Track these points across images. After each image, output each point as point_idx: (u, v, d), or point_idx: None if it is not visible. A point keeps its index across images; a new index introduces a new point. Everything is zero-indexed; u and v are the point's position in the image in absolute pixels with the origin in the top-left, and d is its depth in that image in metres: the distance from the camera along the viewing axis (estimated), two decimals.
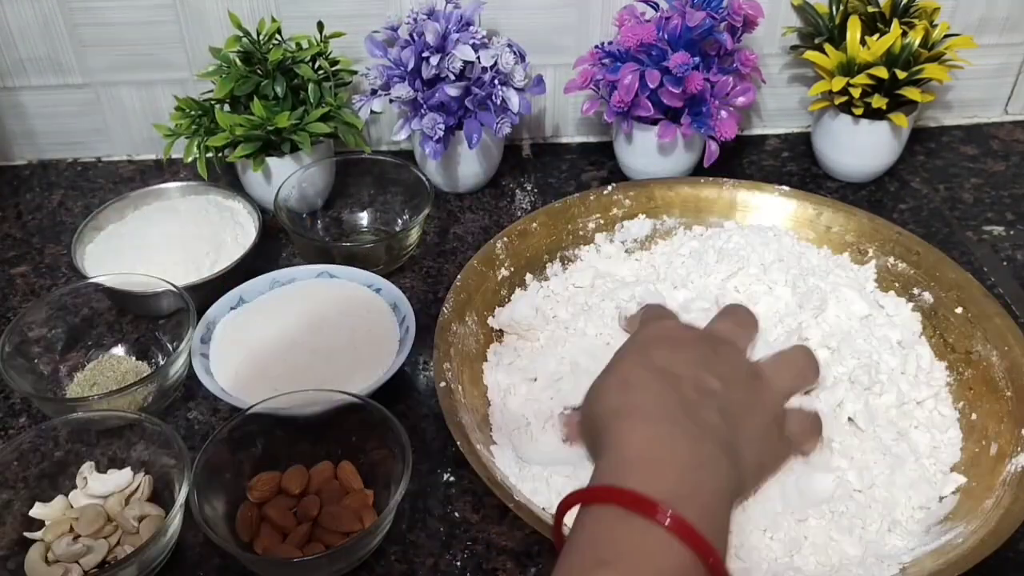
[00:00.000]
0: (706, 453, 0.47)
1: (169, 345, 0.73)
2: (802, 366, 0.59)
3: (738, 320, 0.61)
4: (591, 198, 0.79)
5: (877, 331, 0.67)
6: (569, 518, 0.47)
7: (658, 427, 0.48)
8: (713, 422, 0.49)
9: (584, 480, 0.58)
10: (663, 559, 0.42)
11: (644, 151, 0.87)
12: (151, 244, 0.78)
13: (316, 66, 0.85)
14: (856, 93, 0.83)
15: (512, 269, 0.75)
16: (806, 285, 0.68)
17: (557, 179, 0.94)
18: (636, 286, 0.71)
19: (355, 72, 0.88)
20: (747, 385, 0.55)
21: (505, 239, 0.75)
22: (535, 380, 0.67)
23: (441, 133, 0.81)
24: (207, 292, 0.73)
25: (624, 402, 0.51)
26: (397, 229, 0.85)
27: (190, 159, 0.82)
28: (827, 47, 0.85)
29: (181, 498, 0.57)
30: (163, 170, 0.95)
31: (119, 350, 0.74)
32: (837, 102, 0.86)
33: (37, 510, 0.60)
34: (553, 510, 0.57)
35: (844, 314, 0.68)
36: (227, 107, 0.84)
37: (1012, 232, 0.86)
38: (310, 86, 0.83)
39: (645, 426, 0.48)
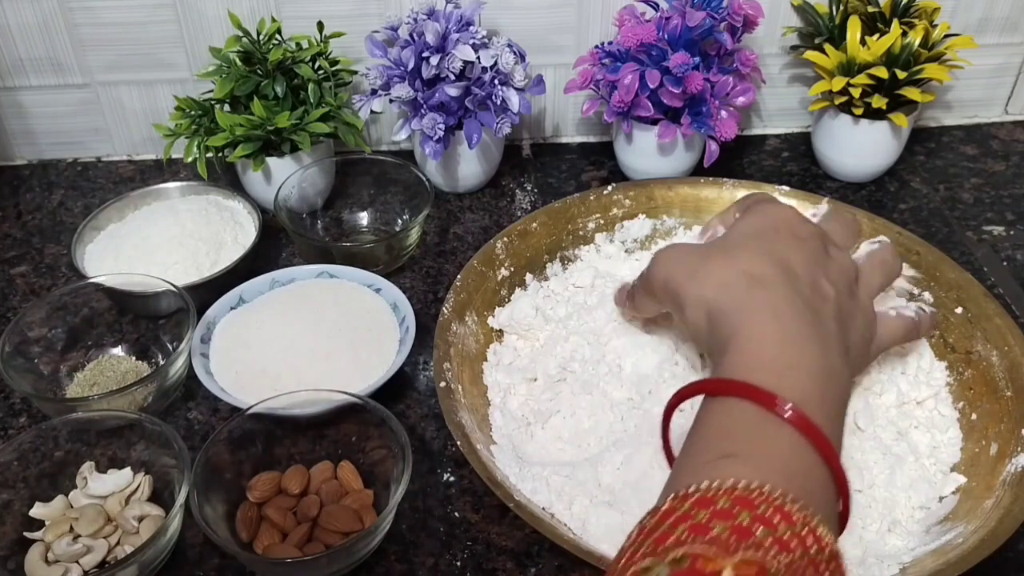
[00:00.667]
0: (832, 361, 0.48)
1: (169, 345, 0.73)
2: (891, 264, 0.60)
3: (844, 224, 0.60)
4: (591, 198, 0.79)
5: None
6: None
7: (788, 329, 0.47)
8: (833, 329, 0.50)
9: (582, 480, 0.58)
10: (792, 458, 0.42)
11: (644, 151, 0.87)
12: (151, 244, 0.78)
13: (316, 66, 0.85)
14: (856, 93, 0.83)
15: (512, 269, 0.75)
16: None
17: (557, 179, 0.94)
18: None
19: (355, 72, 0.88)
20: (852, 292, 0.54)
21: (505, 239, 0.75)
22: (535, 380, 0.67)
23: (441, 133, 0.81)
24: (207, 292, 0.73)
25: (752, 297, 0.49)
26: (397, 229, 0.85)
27: (190, 159, 0.82)
28: (827, 47, 0.85)
29: (181, 498, 0.57)
30: (163, 170, 0.95)
31: (119, 350, 0.74)
32: (837, 102, 0.86)
33: (37, 510, 0.60)
34: (553, 510, 0.58)
35: None
36: (227, 107, 0.84)
37: (1012, 232, 0.86)
38: (310, 86, 0.83)
39: (776, 326, 0.48)
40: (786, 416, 0.42)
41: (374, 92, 0.84)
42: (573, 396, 0.64)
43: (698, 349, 0.64)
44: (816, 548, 0.38)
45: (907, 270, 0.69)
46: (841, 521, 0.45)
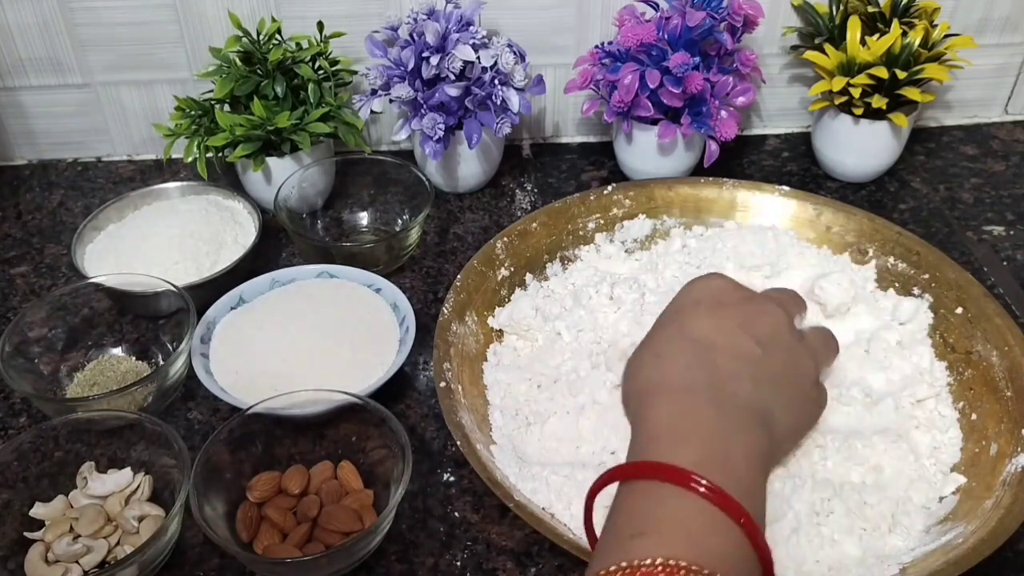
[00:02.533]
0: (732, 421, 0.48)
1: (169, 345, 0.73)
2: (833, 344, 0.60)
3: (786, 294, 0.60)
4: (591, 198, 0.79)
5: (880, 332, 0.67)
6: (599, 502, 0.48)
7: (683, 400, 0.48)
8: (744, 391, 0.49)
9: (582, 480, 0.58)
10: (695, 523, 0.42)
11: (644, 151, 0.87)
12: (151, 244, 0.78)
13: (316, 66, 0.85)
14: (856, 93, 0.83)
15: (512, 269, 0.75)
16: (808, 285, 0.69)
17: (557, 179, 0.94)
18: (632, 280, 0.71)
19: (355, 72, 0.88)
20: (789, 349, 0.54)
21: (505, 239, 0.75)
22: (535, 380, 0.67)
23: (441, 133, 0.81)
24: (207, 292, 0.73)
25: (652, 377, 0.51)
26: (397, 229, 0.85)
27: (190, 159, 0.82)
28: (827, 47, 0.85)
29: (181, 498, 0.57)
30: (163, 170, 0.95)
31: (119, 350, 0.74)
32: (837, 102, 0.86)
33: (37, 510, 0.60)
34: (553, 510, 0.58)
35: (848, 315, 0.68)
36: (227, 107, 0.84)
37: (1012, 232, 0.86)
38: (310, 86, 0.83)
39: (670, 399, 0.49)
40: (683, 483, 0.43)
41: (374, 92, 0.84)
42: (573, 396, 0.64)
43: None
44: None
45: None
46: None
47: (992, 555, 0.52)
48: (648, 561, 0.39)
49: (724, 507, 0.42)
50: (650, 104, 0.82)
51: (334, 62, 0.86)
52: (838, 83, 0.83)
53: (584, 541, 0.56)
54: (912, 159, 0.95)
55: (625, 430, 0.62)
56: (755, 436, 0.48)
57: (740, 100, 0.85)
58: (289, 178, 0.82)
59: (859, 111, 0.85)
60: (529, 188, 0.92)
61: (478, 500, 0.63)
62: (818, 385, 0.57)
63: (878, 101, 0.83)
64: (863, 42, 0.84)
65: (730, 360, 0.51)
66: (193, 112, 0.83)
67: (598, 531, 0.46)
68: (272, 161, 0.83)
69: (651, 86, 0.80)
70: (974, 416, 0.63)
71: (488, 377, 0.68)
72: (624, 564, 0.40)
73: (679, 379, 0.50)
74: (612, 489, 0.47)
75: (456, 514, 0.62)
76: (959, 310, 0.68)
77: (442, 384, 0.63)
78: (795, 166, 0.95)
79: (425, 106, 0.81)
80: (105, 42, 0.89)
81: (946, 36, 0.85)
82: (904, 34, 0.83)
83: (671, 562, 0.39)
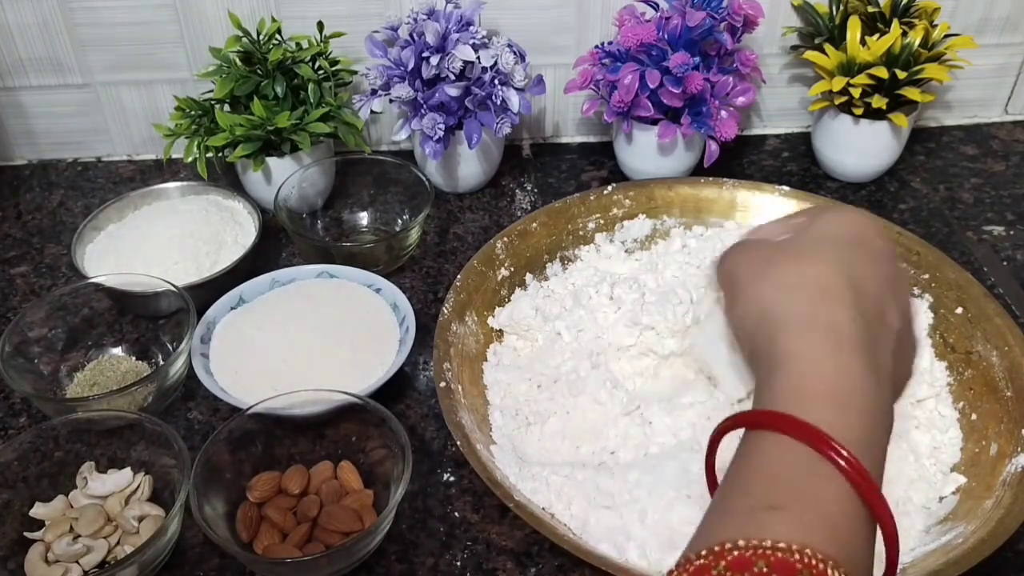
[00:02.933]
0: (885, 401, 0.43)
1: (169, 345, 0.73)
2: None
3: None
4: (591, 198, 0.79)
5: None
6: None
7: (850, 359, 0.42)
8: (888, 365, 0.44)
9: (582, 480, 0.58)
10: (840, 514, 0.38)
11: (644, 151, 0.87)
12: (151, 244, 0.78)
13: (316, 66, 0.85)
14: (856, 93, 0.83)
15: (512, 269, 0.75)
16: None
17: (557, 179, 0.94)
18: (632, 281, 0.71)
19: (355, 72, 0.88)
20: (911, 332, 0.48)
21: (505, 239, 0.75)
22: (535, 380, 0.67)
23: (441, 133, 0.81)
24: (207, 292, 0.73)
25: (815, 312, 0.43)
26: (397, 229, 0.85)
27: (190, 159, 0.82)
28: (827, 47, 0.85)
29: (181, 498, 0.57)
30: (163, 170, 0.95)
31: (119, 350, 0.74)
32: (837, 102, 0.86)
33: (37, 510, 0.60)
34: (552, 510, 0.58)
35: None
36: (227, 107, 0.84)
37: (1012, 232, 0.86)
38: (310, 86, 0.83)
39: (835, 352, 0.42)
40: (841, 464, 0.38)
41: (374, 92, 0.84)
42: (573, 396, 0.64)
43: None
44: None
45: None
46: None
47: (992, 555, 0.52)
48: (783, 545, 0.35)
49: (871, 502, 0.38)
50: (650, 104, 0.82)
51: (334, 62, 0.86)
52: (838, 83, 0.83)
53: (584, 541, 0.56)
54: (912, 159, 0.95)
55: (625, 431, 0.62)
56: (891, 420, 0.43)
57: (740, 100, 0.85)
58: (289, 178, 0.82)
59: (859, 111, 0.85)
60: (529, 188, 0.92)
61: (478, 500, 0.63)
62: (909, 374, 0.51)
63: (878, 101, 0.83)
64: (863, 42, 0.84)
65: (880, 325, 0.45)
66: (193, 112, 0.83)
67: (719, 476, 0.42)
68: (272, 161, 0.83)
69: (651, 86, 0.80)
70: (974, 416, 0.63)
71: (488, 377, 0.68)
72: (754, 543, 0.36)
73: (848, 331, 0.43)
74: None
75: (456, 514, 0.62)
76: (959, 310, 0.68)
77: (442, 384, 0.63)
78: (795, 166, 0.95)
79: (425, 106, 0.81)
80: (105, 42, 0.89)
81: (946, 36, 0.85)
82: (904, 34, 0.83)
83: (807, 551, 0.35)
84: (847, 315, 0.43)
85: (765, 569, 0.35)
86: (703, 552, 0.36)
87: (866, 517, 0.38)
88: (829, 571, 0.35)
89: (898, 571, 0.52)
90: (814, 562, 0.35)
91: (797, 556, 0.35)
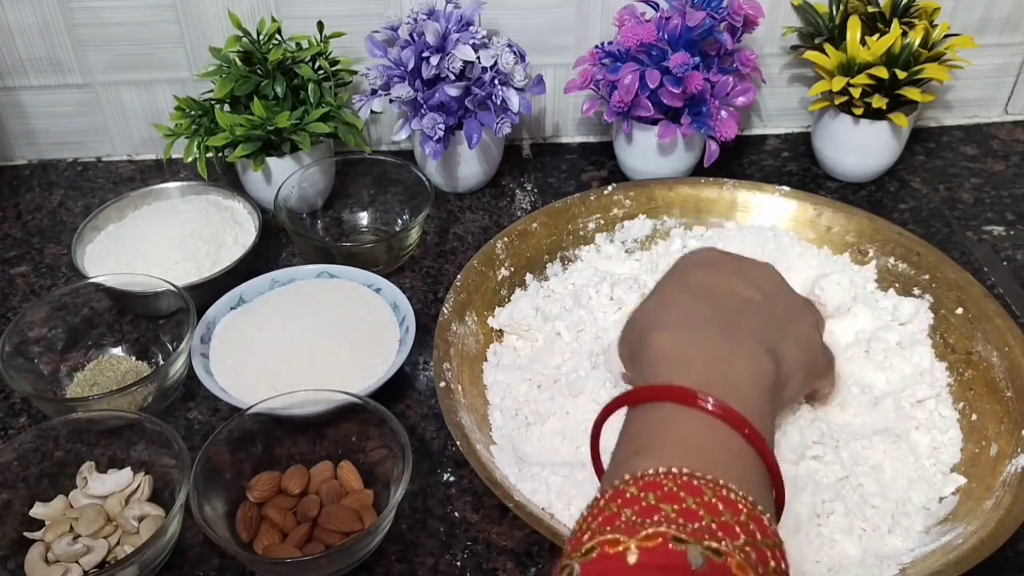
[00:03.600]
0: (741, 347, 0.48)
1: (169, 345, 0.73)
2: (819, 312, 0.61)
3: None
4: (591, 198, 0.79)
5: (880, 333, 0.67)
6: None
7: (688, 331, 0.49)
8: (748, 324, 0.50)
9: (582, 480, 0.58)
10: (699, 437, 0.43)
11: (644, 151, 0.87)
12: (151, 244, 0.78)
13: (316, 66, 0.85)
14: (856, 93, 0.83)
15: (512, 269, 0.75)
16: (808, 285, 0.69)
17: (557, 179, 0.94)
18: (632, 281, 0.71)
19: (355, 72, 0.88)
20: (789, 296, 0.56)
21: (505, 239, 0.75)
22: (535, 380, 0.67)
23: (441, 133, 0.81)
24: (207, 292, 0.73)
25: (658, 317, 0.51)
26: (397, 229, 0.85)
27: (190, 159, 0.82)
28: (827, 47, 0.85)
29: (181, 498, 0.57)
30: (163, 170, 0.95)
31: (119, 350, 0.74)
32: (837, 102, 0.86)
33: (37, 510, 0.60)
34: (552, 510, 0.58)
35: (848, 315, 0.68)
36: (227, 107, 0.84)
37: (1012, 232, 0.86)
38: (310, 86, 0.83)
39: (674, 332, 0.49)
40: (687, 402, 0.43)
41: (374, 92, 0.84)
42: (573, 396, 0.64)
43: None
44: (738, 512, 0.38)
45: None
46: (777, 505, 0.45)
47: (992, 556, 0.52)
48: (651, 471, 0.39)
49: (727, 419, 0.43)
50: (650, 104, 0.82)
51: (334, 62, 0.86)
52: (838, 83, 0.83)
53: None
54: (912, 159, 0.95)
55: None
56: (762, 362, 0.48)
57: (740, 100, 0.85)
58: (289, 178, 0.82)
59: (859, 111, 0.85)
60: (529, 188, 0.92)
61: (478, 500, 0.63)
62: (822, 341, 0.57)
63: (878, 101, 0.83)
64: (863, 42, 0.84)
65: (732, 300, 0.52)
66: (193, 112, 0.83)
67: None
68: (272, 161, 0.83)
69: (651, 86, 0.80)
70: (974, 417, 0.63)
71: (488, 377, 0.68)
72: (627, 477, 0.40)
73: (684, 316, 0.50)
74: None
75: (456, 514, 0.62)
76: (959, 310, 0.68)
77: (442, 384, 0.63)
78: (795, 166, 0.95)
79: (425, 106, 0.81)
80: (105, 42, 0.89)
81: (946, 36, 0.85)
82: (904, 34, 0.83)
83: (673, 470, 0.39)
84: (682, 309, 0.51)
85: (635, 492, 0.39)
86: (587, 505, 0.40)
87: (732, 434, 0.43)
88: (696, 480, 0.39)
89: (895, 574, 0.52)
90: (679, 476, 0.39)
91: (663, 475, 0.39)
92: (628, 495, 0.39)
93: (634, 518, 0.37)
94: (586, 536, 0.38)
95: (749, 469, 0.42)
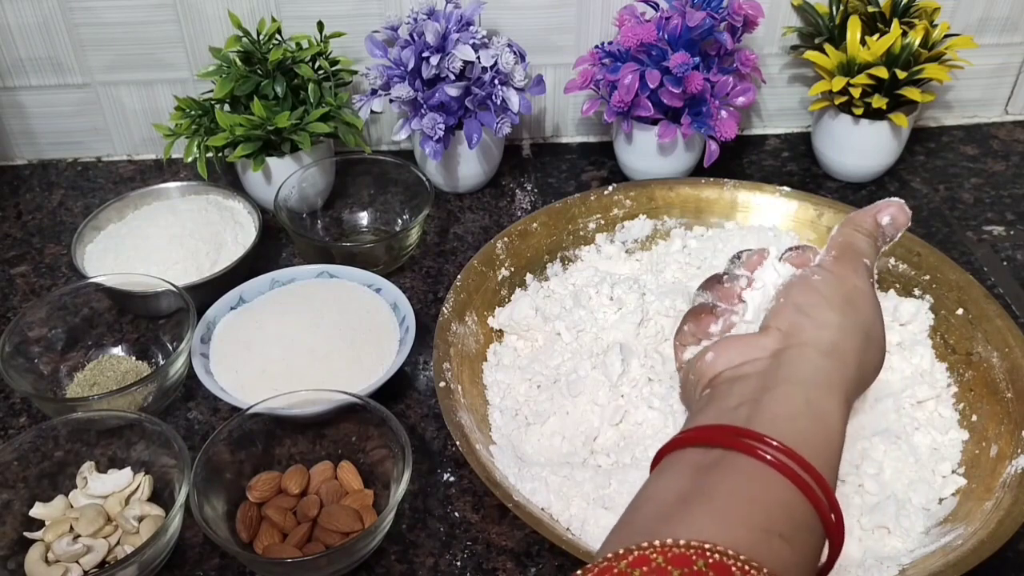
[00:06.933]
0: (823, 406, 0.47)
1: (169, 345, 0.73)
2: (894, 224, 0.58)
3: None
4: (591, 198, 0.79)
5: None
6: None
7: (764, 386, 0.47)
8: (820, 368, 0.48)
9: (581, 480, 0.58)
10: (753, 496, 0.41)
11: (644, 151, 0.87)
12: (151, 244, 0.78)
13: (316, 66, 0.85)
14: (856, 93, 0.83)
15: (512, 269, 0.75)
16: None
17: (557, 179, 0.94)
18: (632, 281, 0.71)
19: (355, 72, 0.88)
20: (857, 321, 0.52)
21: (505, 239, 0.75)
22: (535, 380, 0.67)
23: (441, 133, 0.81)
24: (207, 292, 0.73)
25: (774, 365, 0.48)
26: (397, 229, 0.85)
27: (190, 159, 0.82)
28: (827, 47, 0.85)
29: (181, 498, 0.57)
30: (163, 170, 0.95)
31: (119, 350, 0.74)
32: (837, 102, 0.86)
33: (37, 510, 0.60)
34: (552, 510, 0.58)
35: None
36: (227, 107, 0.84)
37: (1012, 232, 0.86)
38: (310, 86, 0.83)
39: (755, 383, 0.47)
40: (764, 456, 0.41)
41: (374, 92, 0.84)
42: (573, 396, 0.64)
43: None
44: None
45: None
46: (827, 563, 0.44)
47: (992, 556, 0.52)
48: (683, 542, 0.37)
49: (789, 476, 0.42)
50: (650, 104, 0.82)
51: (334, 62, 0.86)
52: (838, 83, 0.83)
53: (583, 541, 0.56)
54: (912, 159, 0.95)
55: (624, 429, 0.62)
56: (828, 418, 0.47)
57: (740, 100, 0.85)
58: (289, 178, 0.82)
59: (859, 111, 0.85)
60: (529, 188, 0.92)
61: (478, 500, 0.63)
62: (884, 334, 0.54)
63: (878, 101, 0.83)
64: (863, 42, 0.84)
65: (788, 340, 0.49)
66: (193, 112, 0.83)
67: None
68: (272, 161, 0.83)
69: (651, 86, 0.80)
70: (974, 417, 0.63)
71: (488, 377, 0.68)
72: (656, 543, 0.37)
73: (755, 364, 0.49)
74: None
75: (456, 514, 0.62)
76: (960, 311, 0.68)
77: (442, 384, 0.63)
78: (795, 166, 0.95)
79: (425, 106, 0.81)
80: (105, 42, 0.89)
81: (946, 36, 0.85)
82: (904, 34, 0.83)
83: (706, 545, 0.37)
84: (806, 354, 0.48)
85: (662, 563, 0.36)
86: (607, 555, 0.37)
87: (792, 496, 0.41)
88: (728, 559, 0.36)
89: (895, 574, 0.52)
90: (710, 554, 0.36)
91: (696, 549, 0.36)
92: (655, 565, 0.36)
93: None
94: None
95: (814, 545, 0.42)
